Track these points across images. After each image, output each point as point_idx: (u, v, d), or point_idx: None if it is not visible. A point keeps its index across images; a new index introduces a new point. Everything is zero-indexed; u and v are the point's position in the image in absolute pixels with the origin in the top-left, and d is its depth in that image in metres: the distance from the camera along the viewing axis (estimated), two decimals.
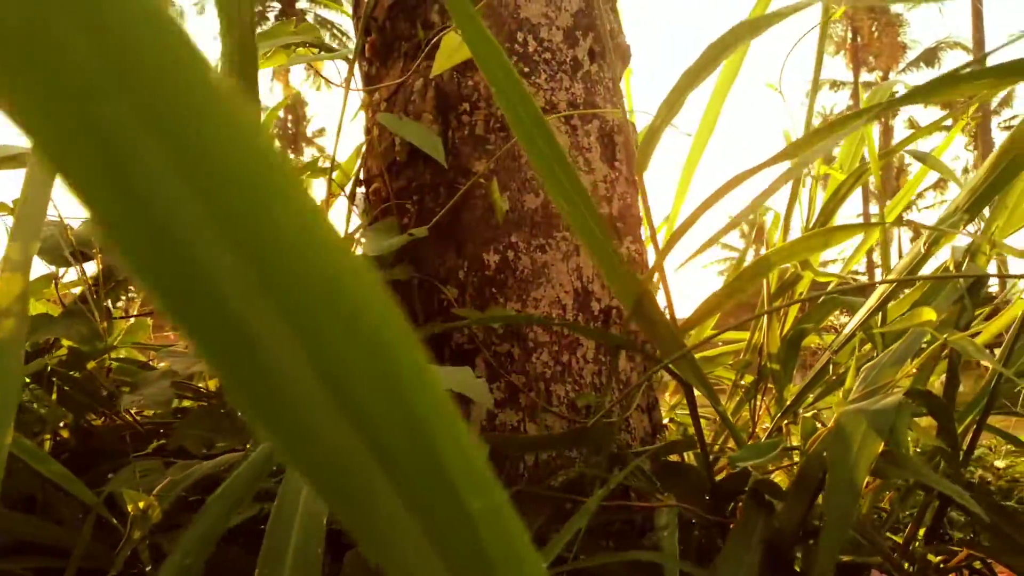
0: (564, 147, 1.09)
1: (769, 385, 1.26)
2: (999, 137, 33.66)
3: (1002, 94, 35.08)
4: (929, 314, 0.62)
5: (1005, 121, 35.35)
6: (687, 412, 1.35)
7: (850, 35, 31.71)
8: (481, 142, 1.06)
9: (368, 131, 1.15)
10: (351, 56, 1.05)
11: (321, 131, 29.89)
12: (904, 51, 34.04)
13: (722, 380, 1.54)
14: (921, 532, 1.03)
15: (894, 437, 0.58)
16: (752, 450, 0.66)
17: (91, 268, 0.97)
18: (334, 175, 1.27)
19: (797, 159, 0.65)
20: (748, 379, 1.37)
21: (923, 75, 37.99)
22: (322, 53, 0.99)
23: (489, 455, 1.01)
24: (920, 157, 1.10)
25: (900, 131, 33.73)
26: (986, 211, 0.97)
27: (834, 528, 0.50)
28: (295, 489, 0.48)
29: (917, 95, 0.61)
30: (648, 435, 1.14)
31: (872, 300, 0.91)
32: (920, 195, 37.32)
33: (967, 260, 0.78)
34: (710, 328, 1.44)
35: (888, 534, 0.96)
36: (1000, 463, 1.13)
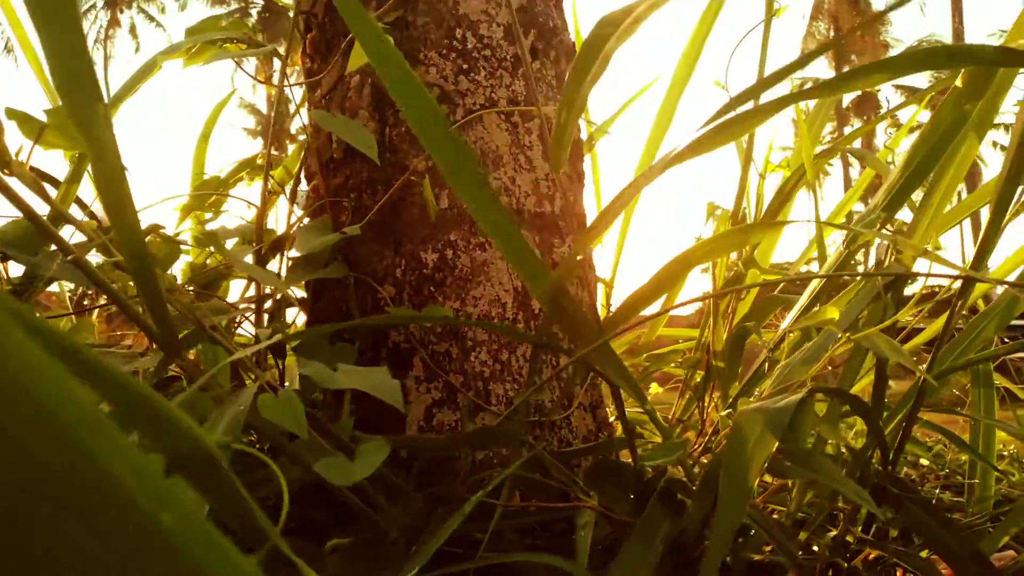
0: (503, 144, 1.09)
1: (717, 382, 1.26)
2: None
3: None
4: (833, 312, 0.62)
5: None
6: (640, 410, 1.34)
7: (832, 34, 31.88)
8: (418, 138, 1.05)
9: (307, 128, 1.14)
10: (284, 52, 1.04)
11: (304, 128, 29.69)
12: (886, 50, 34.26)
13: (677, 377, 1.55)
14: (858, 530, 1.03)
15: (792, 435, 0.58)
16: (661, 450, 0.66)
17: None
18: (282, 174, 1.26)
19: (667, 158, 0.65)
20: (699, 376, 1.38)
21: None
22: (249, 49, 0.98)
23: (429, 456, 1.00)
24: (858, 155, 1.11)
25: (881, 127, 33.91)
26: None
27: (722, 527, 0.50)
28: None
29: (814, 92, 0.60)
30: (592, 433, 1.13)
31: (804, 298, 0.91)
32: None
33: (890, 258, 0.78)
34: (663, 326, 1.44)
35: (805, 532, 0.97)
36: (925, 460, 1.13)
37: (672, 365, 1.46)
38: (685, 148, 0.64)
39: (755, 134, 1.24)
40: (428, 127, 0.56)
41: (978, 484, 1.08)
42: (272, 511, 0.41)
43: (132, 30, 35.33)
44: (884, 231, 0.77)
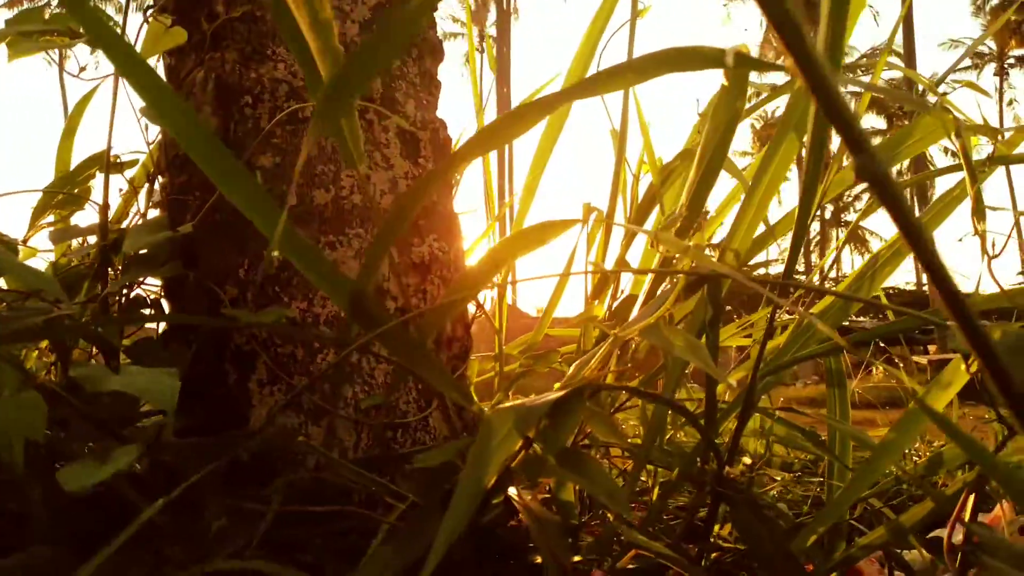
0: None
1: None
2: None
3: (934, 99, 36.31)
4: (599, 310, 0.61)
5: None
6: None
7: None
8: (267, 136, 1.03)
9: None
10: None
11: None
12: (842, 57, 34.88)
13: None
14: (726, 530, 1.03)
15: (552, 435, 0.57)
16: (443, 450, 0.64)
17: None
18: (141, 171, 1.22)
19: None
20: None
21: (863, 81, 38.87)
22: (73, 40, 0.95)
23: (268, 458, 0.98)
24: (729, 170, 1.11)
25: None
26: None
27: (445, 526, 0.48)
28: None
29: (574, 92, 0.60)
30: (456, 434, 1.12)
31: (654, 302, 0.90)
32: (857, 196, 38.39)
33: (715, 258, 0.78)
34: (547, 328, 1.44)
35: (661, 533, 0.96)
36: (747, 459, 1.14)
37: (558, 364, 1.45)
38: (478, 136, 0.63)
39: (627, 137, 1.24)
40: (168, 113, 0.54)
41: (835, 482, 1.09)
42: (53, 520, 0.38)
43: None
44: (670, 234, 0.77)
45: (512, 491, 0.69)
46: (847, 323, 0.94)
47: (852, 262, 39.02)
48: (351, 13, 1.08)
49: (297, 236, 0.64)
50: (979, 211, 0.80)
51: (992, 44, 35.25)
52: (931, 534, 1.16)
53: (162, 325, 1.17)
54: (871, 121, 34.07)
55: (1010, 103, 35.75)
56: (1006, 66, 35.50)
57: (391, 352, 0.77)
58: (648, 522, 0.89)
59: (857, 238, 37.96)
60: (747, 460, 1.12)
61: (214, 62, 1.04)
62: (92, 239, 1.13)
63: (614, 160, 1.28)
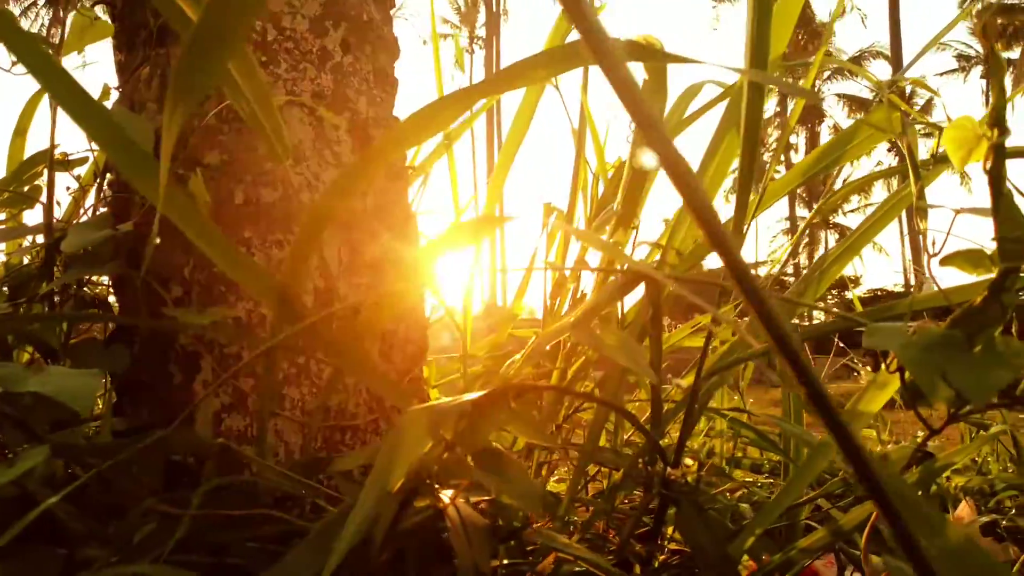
0: (307, 139, 1.06)
1: None
2: (920, 144, 35.03)
3: (921, 101, 36.58)
4: (518, 309, 0.60)
5: (925, 128, 36.81)
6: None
7: None
8: (213, 133, 1.01)
9: None
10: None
11: None
12: (829, 59, 35.07)
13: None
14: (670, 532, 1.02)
15: (470, 436, 0.56)
16: (357, 454, 0.63)
17: None
18: (91, 170, 1.21)
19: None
20: None
21: (848, 84, 39.30)
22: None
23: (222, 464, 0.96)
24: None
25: (826, 136, 34.71)
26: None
27: (349, 525, 0.47)
28: None
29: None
30: None
31: (593, 301, 0.89)
32: (846, 199, 38.60)
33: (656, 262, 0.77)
34: (508, 328, 1.42)
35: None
36: (689, 460, 1.14)
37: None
38: (397, 130, 0.62)
39: (584, 136, 1.23)
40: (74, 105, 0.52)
41: (790, 482, 1.08)
42: None
43: None
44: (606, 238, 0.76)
45: (447, 494, 0.68)
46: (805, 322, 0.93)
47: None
48: (301, 8, 1.07)
49: (218, 236, 0.63)
50: (921, 210, 0.80)
51: (979, 47, 35.50)
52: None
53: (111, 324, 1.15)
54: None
55: None
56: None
57: (324, 353, 0.76)
58: (588, 525, 0.88)
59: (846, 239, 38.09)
60: (689, 461, 1.11)
61: (159, 58, 1.02)
62: (40, 238, 1.11)
63: (574, 160, 1.27)
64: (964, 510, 1.04)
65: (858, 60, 35.29)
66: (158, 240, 1.00)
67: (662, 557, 0.94)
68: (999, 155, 0.42)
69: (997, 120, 0.42)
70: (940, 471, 0.82)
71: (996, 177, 0.42)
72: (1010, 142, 0.61)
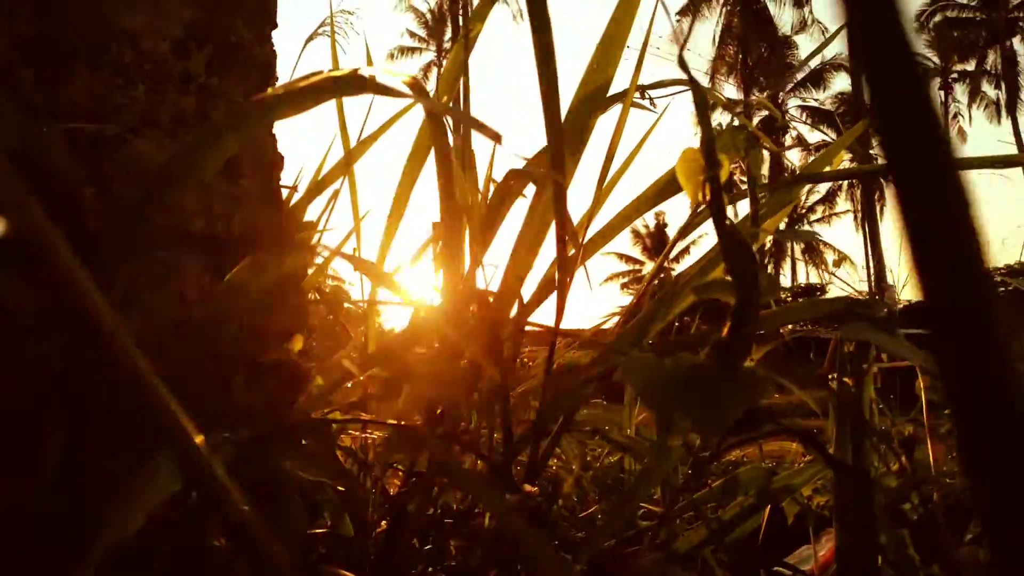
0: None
1: None
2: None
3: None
4: None
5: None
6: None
7: (741, 56, 33.10)
8: None
9: None
10: None
11: None
12: (793, 72, 35.77)
13: None
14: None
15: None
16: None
17: None
18: None
19: None
20: None
21: (809, 95, 40.02)
22: None
23: None
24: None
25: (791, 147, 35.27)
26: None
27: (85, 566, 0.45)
28: None
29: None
30: None
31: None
32: (811, 209, 39.20)
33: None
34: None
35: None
36: (528, 487, 1.13)
37: None
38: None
39: (470, 143, 1.22)
40: None
41: (615, 505, 1.07)
42: None
43: None
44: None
45: None
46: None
47: (807, 273, 39.76)
48: (163, 30, 1.05)
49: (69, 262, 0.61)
50: (754, 231, 0.80)
51: (936, 60, 36.39)
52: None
53: None
54: (821, 135, 34.82)
55: (954, 117, 36.88)
56: (950, 81, 36.65)
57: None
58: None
59: (811, 249, 38.71)
60: (528, 488, 1.10)
61: (15, 82, 1.00)
62: None
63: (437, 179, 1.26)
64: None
65: (820, 72, 35.98)
66: None
67: None
68: (715, 188, 0.41)
69: (707, 153, 0.41)
70: (781, 492, 0.82)
71: (716, 210, 0.42)
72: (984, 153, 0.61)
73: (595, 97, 0.80)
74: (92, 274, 0.71)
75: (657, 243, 37.34)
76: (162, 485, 0.51)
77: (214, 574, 0.59)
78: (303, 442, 0.59)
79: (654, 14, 0.81)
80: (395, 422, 0.72)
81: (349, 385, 0.87)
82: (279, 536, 0.53)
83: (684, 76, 0.54)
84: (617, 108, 0.96)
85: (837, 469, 0.57)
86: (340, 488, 0.64)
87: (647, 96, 0.99)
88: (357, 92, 0.47)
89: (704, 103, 0.43)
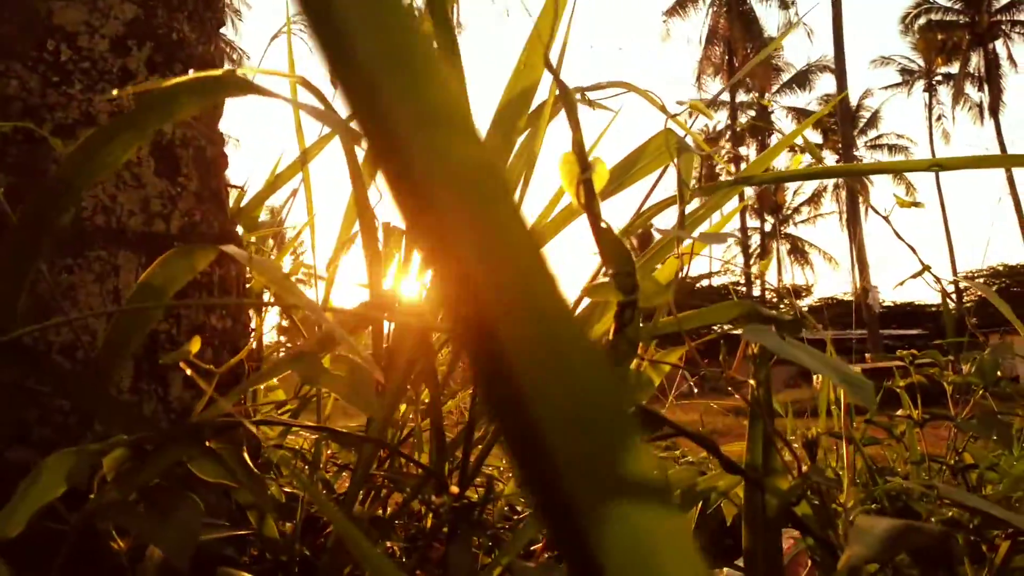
0: None
1: None
2: (866, 156, 35.98)
3: (867, 114, 37.59)
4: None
5: (871, 140, 37.91)
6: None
7: (727, 57, 33.20)
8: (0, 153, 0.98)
9: None
10: None
11: None
12: (779, 74, 35.97)
13: None
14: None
15: (123, 477, 0.54)
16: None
17: None
18: None
19: None
20: None
21: (795, 96, 40.32)
22: None
23: None
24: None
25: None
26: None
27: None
28: None
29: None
30: None
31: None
32: (796, 210, 39.38)
33: None
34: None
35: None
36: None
37: None
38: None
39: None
40: None
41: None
42: None
43: None
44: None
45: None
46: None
47: (792, 274, 39.94)
48: (100, 28, 1.04)
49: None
50: (680, 237, 0.80)
51: (921, 62, 36.66)
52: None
53: None
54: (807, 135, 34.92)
55: (939, 119, 37.14)
56: (934, 83, 36.91)
57: (57, 392, 0.73)
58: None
59: (797, 250, 38.93)
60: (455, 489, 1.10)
61: None
62: None
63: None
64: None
65: (806, 73, 36.18)
66: None
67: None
68: (588, 190, 0.41)
69: (578, 156, 0.41)
70: (708, 493, 0.83)
71: (590, 211, 0.42)
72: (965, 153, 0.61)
73: (522, 98, 0.80)
74: (4, 269, 0.70)
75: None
76: (48, 487, 0.51)
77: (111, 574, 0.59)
78: (207, 444, 0.59)
79: (572, 15, 0.81)
80: (313, 424, 0.72)
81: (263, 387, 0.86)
82: (168, 537, 0.52)
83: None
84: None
85: (729, 470, 0.57)
86: (251, 490, 0.64)
87: (586, 97, 0.99)
88: (240, 93, 0.47)
89: (573, 106, 0.43)
